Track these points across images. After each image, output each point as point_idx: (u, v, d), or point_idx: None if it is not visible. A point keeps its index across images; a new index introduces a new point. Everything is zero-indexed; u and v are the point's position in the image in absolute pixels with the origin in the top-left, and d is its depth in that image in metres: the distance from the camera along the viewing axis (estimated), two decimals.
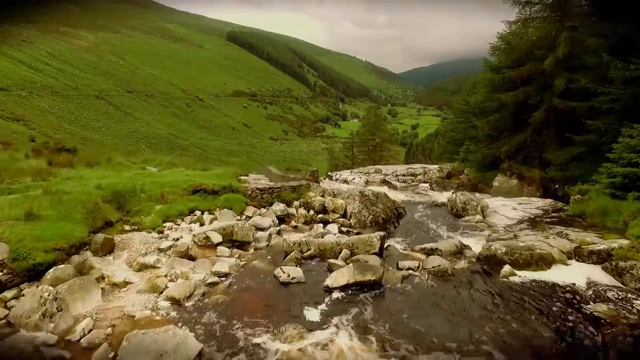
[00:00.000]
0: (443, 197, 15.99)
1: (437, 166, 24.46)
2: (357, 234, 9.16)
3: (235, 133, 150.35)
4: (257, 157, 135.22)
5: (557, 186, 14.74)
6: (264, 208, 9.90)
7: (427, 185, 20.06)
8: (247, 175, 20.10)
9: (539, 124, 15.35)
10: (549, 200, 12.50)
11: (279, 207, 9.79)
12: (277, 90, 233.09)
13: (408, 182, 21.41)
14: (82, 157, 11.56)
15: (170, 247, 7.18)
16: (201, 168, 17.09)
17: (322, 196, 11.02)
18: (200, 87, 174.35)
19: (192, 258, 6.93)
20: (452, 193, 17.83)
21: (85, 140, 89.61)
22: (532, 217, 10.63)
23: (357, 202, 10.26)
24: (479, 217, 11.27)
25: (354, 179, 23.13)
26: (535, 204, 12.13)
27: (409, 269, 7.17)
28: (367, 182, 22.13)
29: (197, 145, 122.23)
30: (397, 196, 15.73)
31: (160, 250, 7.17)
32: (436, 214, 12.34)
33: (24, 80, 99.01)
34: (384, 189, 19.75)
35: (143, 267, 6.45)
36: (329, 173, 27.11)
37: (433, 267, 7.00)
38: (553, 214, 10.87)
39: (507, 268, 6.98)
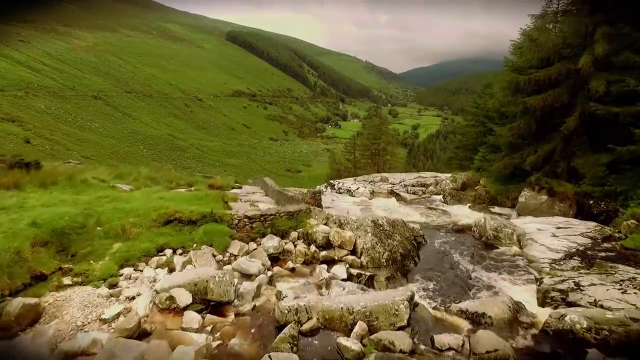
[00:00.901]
0: (462, 213, 14.14)
1: (449, 175, 22.42)
2: (371, 277, 7.23)
3: (234, 134, 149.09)
4: (256, 158, 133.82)
5: (591, 202, 12.89)
6: (254, 241, 7.85)
7: (440, 197, 18.25)
8: (241, 188, 18.39)
9: (570, 131, 13.44)
10: (592, 224, 10.50)
11: (272, 242, 7.72)
12: (277, 90, 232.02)
13: (419, 194, 19.61)
14: (37, 175, 9.52)
15: (118, 315, 5.11)
16: (187, 183, 15.26)
17: (325, 224, 8.97)
18: (200, 87, 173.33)
19: (145, 334, 4.85)
20: (469, 207, 16.02)
21: (82, 142, 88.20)
22: (580, 248, 8.61)
23: (370, 234, 8.13)
24: (515, 248, 9.32)
25: (357, 188, 21.27)
26: (577, 228, 10.15)
27: (450, 349, 5.03)
28: (372, 193, 20.25)
29: (196, 146, 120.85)
30: (411, 214, 13.90)
31: (103, 321, 5.05)
32: (462, 242, 10.29)
33: (20, 80, 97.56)
34: (392, 201, 17.91)
35: (69, 358, 4.25)
36: (331, 181, 25.24)
37: (487, 352, 4.80)
38: (604, 245, 8.85)
39: (594, 354, 4.78)
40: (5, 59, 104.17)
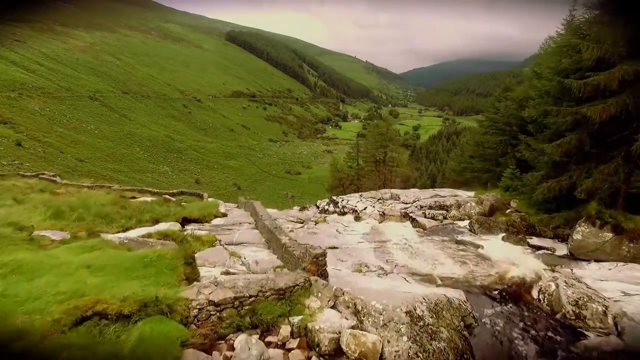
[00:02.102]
0: (502, 253, 11.27)
1: (471, 195, 19.46)
2: None
3: (233, 135, 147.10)
4: (256, 159, 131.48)
5: None
6: (223, 341, 5.02)
7: (465, 224, 15.45)
8: (226, 216, 15.88)
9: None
10: None
11: (249, 352, 4.75)
12: (277, 90, 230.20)
13: (439, 219, 16.77)
14: None
15: None
16: (153, 218, 12.60)
17: (332, 307, 6.05)
18: (199, 88, 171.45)
19: None
20: (503, 238, 13.24)
21: (77, 144, 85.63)
22: None
23: (405, 337, 5.24)
24: (613, 338, 6.26)
25: (365, 208, 18.41)
26: None
27: None
28: (383, 215, 17.39)
29: (194, 148, 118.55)
30: (439, 257, 11.04)
31: None
32: (526, 320, 7.31)
33: (14, 81, 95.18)
34: (409, 230, 15.08)
35: None
36: (334, 198, 22.39)
37: None
38: None
39: None
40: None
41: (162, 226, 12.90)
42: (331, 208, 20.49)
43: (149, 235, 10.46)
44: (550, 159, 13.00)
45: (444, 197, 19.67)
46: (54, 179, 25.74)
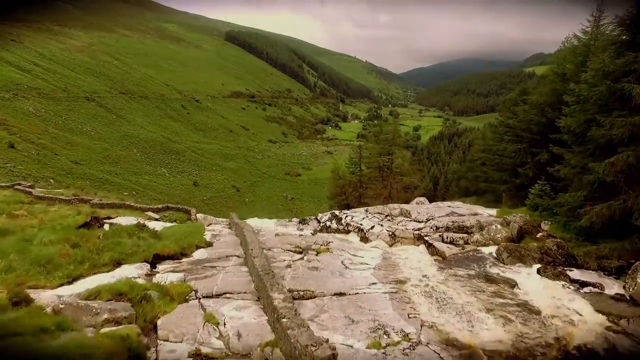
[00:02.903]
0: (549, 300, 9.41)
1: (494, 214, 17.57)
2: None
3: (232, 136, 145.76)
4: (255, 161, 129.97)
5: None
6: None
7: (491, 251, 13.58)
8: (212, 245, 14.04)
9: None
10: None
11: None
12: (277, 91, 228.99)
13: (459, 244, 14.82)
14: None
15: None
16: (113, 260, 10.42)
17: None
18: (197, 88, 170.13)
19: None
20: (539, 271, 11.50)
21: (72, 146, 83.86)
22: None
23: None
24: None
25: (372, 227, 16.47)
26: None
27: None
28: (393, 237, 15.55)
29: (192, 149, 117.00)
30: (471, 308, 9.25)
31: None
32: None
33: (8, 81, 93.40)
34: (425, 258, 13.32)
35: None
36: (336, 212, 20.20)
37: None
38: None
39: None
40: None
41: (125, 271, 10.56)
42: (334, 225, 18.56)
43: (97, 294, 8.18)
44: (597, 178, 11.20)
45: (463, 215, 17.59)
46: (30, 190, 23.87)
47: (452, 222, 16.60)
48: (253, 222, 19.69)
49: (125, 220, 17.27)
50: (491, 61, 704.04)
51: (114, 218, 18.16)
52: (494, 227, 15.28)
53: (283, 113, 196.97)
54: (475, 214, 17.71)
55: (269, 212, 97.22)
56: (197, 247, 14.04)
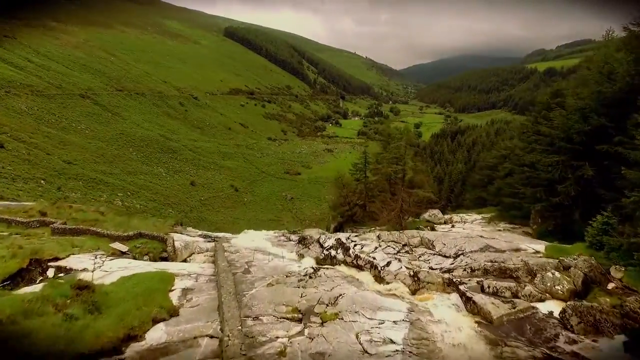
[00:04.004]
0: None
1: (540, 247, 14.29)
2: None
3: (231, 133, 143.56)
4: (254, 159, 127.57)
5: None
6: None
7: (553, 311, 10.70)
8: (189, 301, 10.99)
9: None
10: None
11: None
12: (276, 87, 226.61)
13: (505, 297, 11.73)
14: None
15: None
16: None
17: None
18: (196, 85, 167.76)
19: None
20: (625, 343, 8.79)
21: (65, 145, 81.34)
22: None
23: None
24: None
25: (388, 264, 13.55)
26: None
27: None
28: (416, 280, 12.69)
29: (190, 148, 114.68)
30: None
31: None
32: None
33: (0, 79, 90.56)
34: (458, 311, 10.67)
35: None
36: (341, 238, 17.27)
37: None
38: None
39: None
40: None
41: None
42: (340, 255, 15.57)
43: None
44: None
45: (502, 252, 14.20)
46: None
47: (491, 261, 13.35)
48: (245, 241, 17.01)
49: (79, 261, 13.81)
50: (492, 57, 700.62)
51: (63, 258, 14.26)
52: (549, 274, 12.14)
53: (283, 110, 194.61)
54: (518, 249, 14.50)
55: (268, 212, 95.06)
56: (155, 321, 10.44)
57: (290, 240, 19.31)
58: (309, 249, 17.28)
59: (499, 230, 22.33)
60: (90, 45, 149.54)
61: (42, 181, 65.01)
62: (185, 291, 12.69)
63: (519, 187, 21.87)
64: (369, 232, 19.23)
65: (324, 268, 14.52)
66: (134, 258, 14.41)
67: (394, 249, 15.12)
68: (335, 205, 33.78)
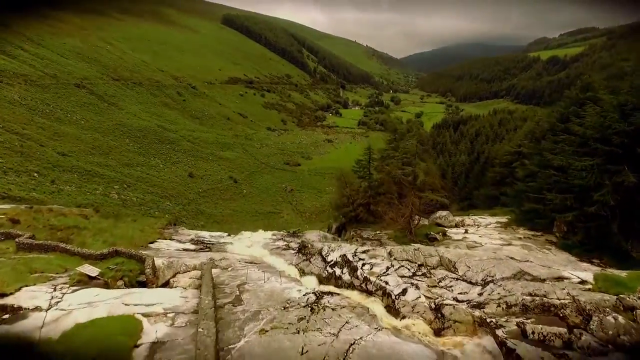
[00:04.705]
0: None
1: (587, 277, 11.79)
2: None
3: (230, 123, 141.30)
4: (253, 150, 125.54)
5: None
6: None
7: None
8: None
9: None
10: None
11: None
12: (275, 76, 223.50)
13: (554, 346, 9.35)
14: None
15: None
16: None
17: None
18: (194, 74, 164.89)
19: None
20: None
21: (59, 136, 79.26)
22: None
23: None
24: None
25: (403, 292, 11.43)
26: None
27: None
28: (439, 315, 10.49)
29: (188, 138, 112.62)
30: None
31: None
32: None
33: None
34: None
35: None
36: (348, 257, 14.79)
37: None
38: None
39: None
40: None
41: None
42: (346, 276, 13.50)
43: None
44: None
45: (541, 281, 11.63)
46: None
47: (530, 295, 11.01)
48: (240, 247, 15.09)
49: (32, 296, 10.96)
50: (493, 46, 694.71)
51: (11, 294, 11.09)
52: (610, 318, 9.66)
53: (282, 99, 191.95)
54: (560, 278, 12.01)
55: (267, 204, 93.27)
56: None
57: (289, 249, 17.38)
58: (310, 262, 15.26)
59: (519, 237, 20.31)
60: (85, 33, 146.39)
61: (36, 174, 63.09)
62: (155, 347, 9.88)
63: (544, 192, 19.64)
64: (378, 246, 17.06)
65: (328, 295, 12.32)
66: (106, 284, 12.06)
67: (408, 269, 12.87)
68: (337, 205, 31.54)
